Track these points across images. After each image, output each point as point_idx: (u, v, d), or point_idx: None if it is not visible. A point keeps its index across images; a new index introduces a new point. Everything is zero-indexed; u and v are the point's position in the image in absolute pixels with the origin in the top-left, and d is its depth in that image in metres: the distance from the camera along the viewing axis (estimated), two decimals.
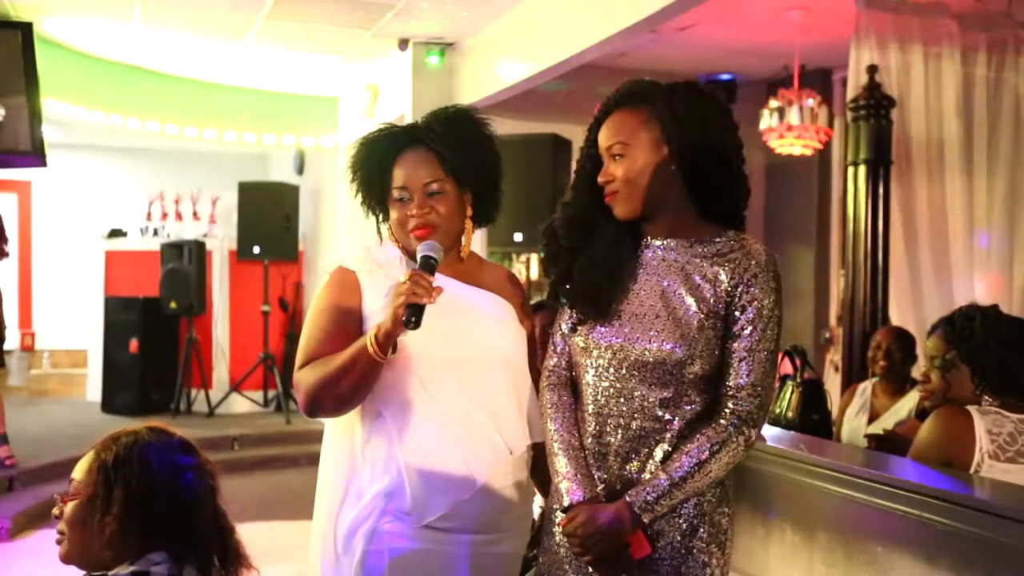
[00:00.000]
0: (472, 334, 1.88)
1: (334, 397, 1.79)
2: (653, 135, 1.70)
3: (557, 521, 1.76)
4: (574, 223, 1.78)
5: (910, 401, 3.53)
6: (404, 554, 1.81)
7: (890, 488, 2.27)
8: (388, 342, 1.71)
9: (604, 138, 1.75)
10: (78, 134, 8.30)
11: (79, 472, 1.59)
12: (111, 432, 1.63)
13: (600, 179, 1.74)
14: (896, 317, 4.45)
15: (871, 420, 3.66)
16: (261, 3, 5.62)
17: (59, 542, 1.59)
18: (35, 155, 5.95)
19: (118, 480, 1.54)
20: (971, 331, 2.42)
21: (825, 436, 3.57)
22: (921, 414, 3.22)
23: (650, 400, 1.68)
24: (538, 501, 2.16)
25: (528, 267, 6.82)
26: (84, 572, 1.61)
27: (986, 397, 2.38)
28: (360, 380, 1.77)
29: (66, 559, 1.59)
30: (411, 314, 1.66)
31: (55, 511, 1.59)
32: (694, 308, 1.67)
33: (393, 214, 1.89)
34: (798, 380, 3.61)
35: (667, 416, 1.68)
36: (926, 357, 2.62)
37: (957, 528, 2.09)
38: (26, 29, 5.84)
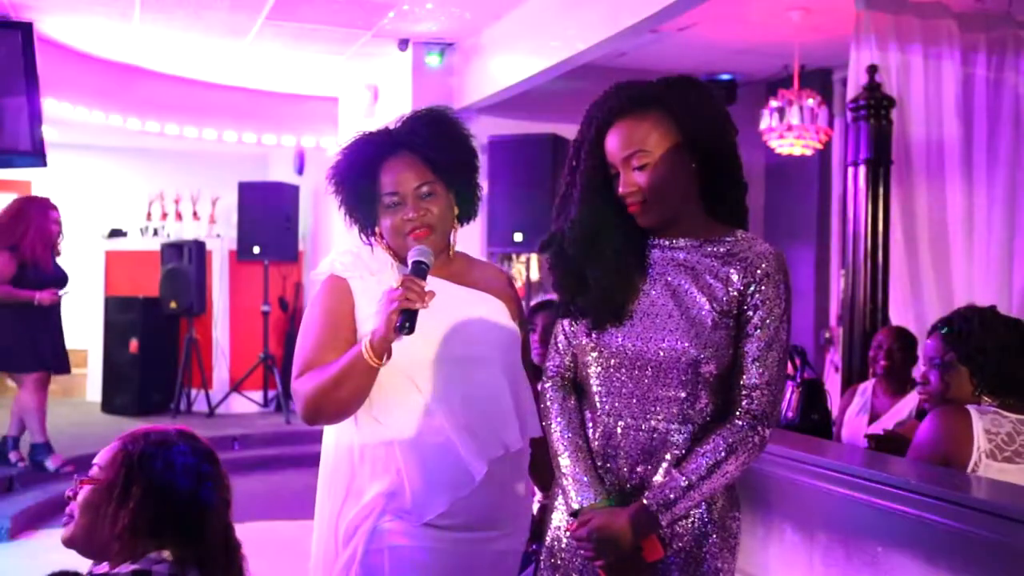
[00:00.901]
0: (464, 333, 1.89)
1: (333, 404, 1.81)
2: (669, 137, 1.67)
3: (564, 526, 1.74)
4: (587, 238, 1.73)
5: (911, 401, 3.53)
6: (404, 552, 1.82)
7: (890, 488, 2.27)
8: (383, 347, 1.72)
9: (619, 148, 1.68)
10: (78, 134, 8.30)
11: (102, 458, 1.59)
12: (142, 427, 1.64)
13: (622, 191, 1.68)
14: (896, 317, 4.45)
15: (871, 420, 3.66)
16: (261, 3, 5.62)
17: (66, 524, 1.59)
18: (35, 155, 5.95)
19: (139, 475, 1.55)
20: (969, 332, 2.43)
21: (825, 436, 3.58)
22: (921, 414, 3.23)
23: (663, 401, 1.66)
24: (537, 496, 2.17)
25: (528, 267, 6.81)
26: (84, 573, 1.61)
27: (985, 398, 2.39)
28: (357, 386, 1.78)
29: (69, 542, 1.59)
30: (405, 319, 1.68)
31: (69, 492, 1.59)
32: (707, 307, 1.65)
33: (386, 221, 1.88)
34: (798, 380, 3.61)
35: (680, 418, 1.66)
36: (925, 358, 2.63)
37: (957, 528, 2.09)
38: (26, 29, 5.84)
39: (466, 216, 1.99)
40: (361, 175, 1.89)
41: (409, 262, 1.80)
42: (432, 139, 1.89)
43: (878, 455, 2.80)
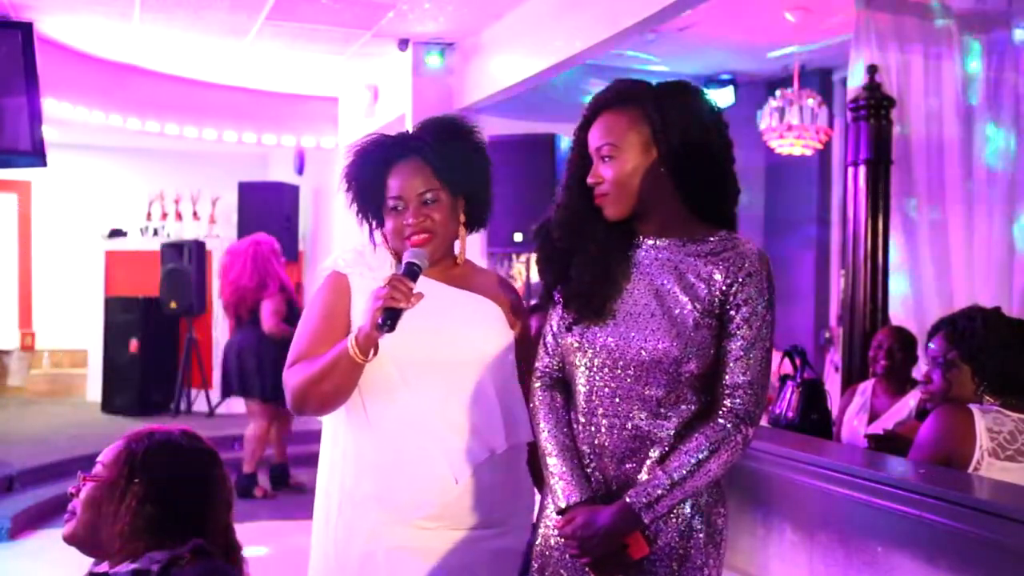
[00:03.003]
0: (455, 336, 1.91)
1: (317, 396, 1.84)
2: (642, 136, 1.70)
3: (552, 523, 1.76)
4: (568, 224, 1.78)
5: (911, 401, 3.53)
6: (399, 553, 1.85)
7: (890, 488, 2.27)
8: (367, 344, 1.75)
9: (593, 139, 1.75)
10: (78, 134, 8.30)
11: (106, 456, 1.60)
12: (146, 426, 1.65)
13: (589, 180, 1.74)
14: (896, 317, 4.45)
15: (871, 420, 3.66)
16: (261, 3, 5.62)
17: (67, 520, 1.60)
18: (35, 155, 5.94)
19: (142, 474, 1.55)
20: (973, 332, 2.44)
21: (825, 436, 3.57)
22: (921, 414, 3.22)
23: (646, 400, 1.68)
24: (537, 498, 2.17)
25: (528, 267, 6.81)
26: (85, 574, 1.62)
27: (987, 397, 2.40)
28: (341, 381, 1.81)
29: (71, 539, 1.59)
30: (387, 317, 1.70)
31: (72, 489, 1.60)
32: (689, 307, 1.67)
33: (389, 223, 1.92)
34: (798, 380, 3.61)
35: (663, 416, 1.68)
36: (928, 357, 2.63)
37: (957, 528, 2.09)
38: (26, 29, 5.84)
39: (476, 223, 2.01)
40: (371, 176, 1.93)
41: (403, 262, 1.82)
42: (440, 147, 1.92)
43: (878, 455, 2.80)
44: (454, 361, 1.89)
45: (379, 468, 1.86)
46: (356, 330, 1.77)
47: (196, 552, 1.52)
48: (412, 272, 1.78)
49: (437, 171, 1.91)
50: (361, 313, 1.85)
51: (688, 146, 1.70)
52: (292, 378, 1.86)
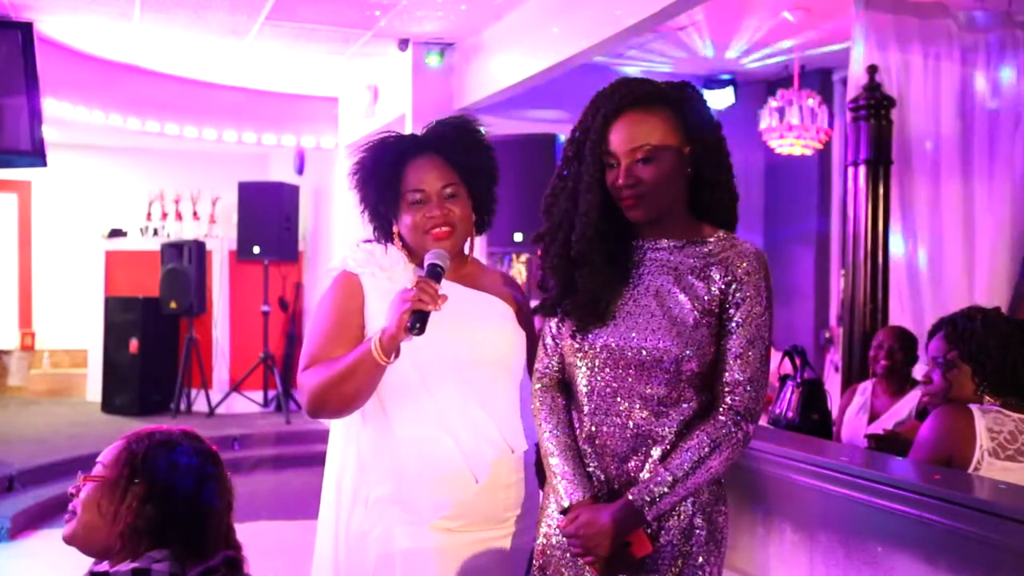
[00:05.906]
0: (473, 336, 1.91)
1: (338, 399, 1.82)
2: (676, 137, 1.70)
3: (554, 523, 1.77)
4: (590, 236, 1.73)
5: (910, 401, 3.53)
6: (415, 554, 1.84)
7: (890, 488, 2.27)
8: (392, 346, 1.74)
9: (626, 140, 1.69)
10: (78, 134, 8.30)
11: (106, 456, 1.60)
12: (146, 427, 1.65)
13: (622, 182, 1.69)
14: (896, 317, 4.45)
15: (871, 420, 3.66)
16: (261, 3, 5.62)
17: (67, 521, 1.60)
18: (35, 155, 5.94)
19: (143, 474, 1.55)
20: (972, 332, 2.44)
21: (825, 436, 3.57)
22: (921, 414, 3.23)
23: (647, 399, 1.69)
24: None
25: (528, 267, 6.81)
26: (85, 573, 1.61)
27: (987, 397, 2.40)
28: (363, 383, 1.79)
29: (70, 539, 1.59)
30: (416, 320, 1.69)
31: (71, 489, 1.60)
32: (689, 306, 1.68)
33: (407, 218, 1.90)
34: (798, 380, 3.61)
35: (664, 415, 1.69)
36: (928, 357, 2.63)
37: (957, 528, 2.09)
38: (26, 29, 5.84)
39: (482, 225, 2.02)
40: (386, 172, 1.91)
41: (425, 264, 1.82)
42: (459, 144, 1.93)
43: (878, 455, 2.80)
44: (473, 361, 1.89)
45: (398, 469, 1.85)
46: (379, 332, 1.75)
47: (229, 564, 1.52)
48: (435, 273, 1.78)
49: (457, 168, 1.91)
50: (378, 314, 1.84)
51: (709, 146, 1.71)
52: (309, 380, 1.83)
